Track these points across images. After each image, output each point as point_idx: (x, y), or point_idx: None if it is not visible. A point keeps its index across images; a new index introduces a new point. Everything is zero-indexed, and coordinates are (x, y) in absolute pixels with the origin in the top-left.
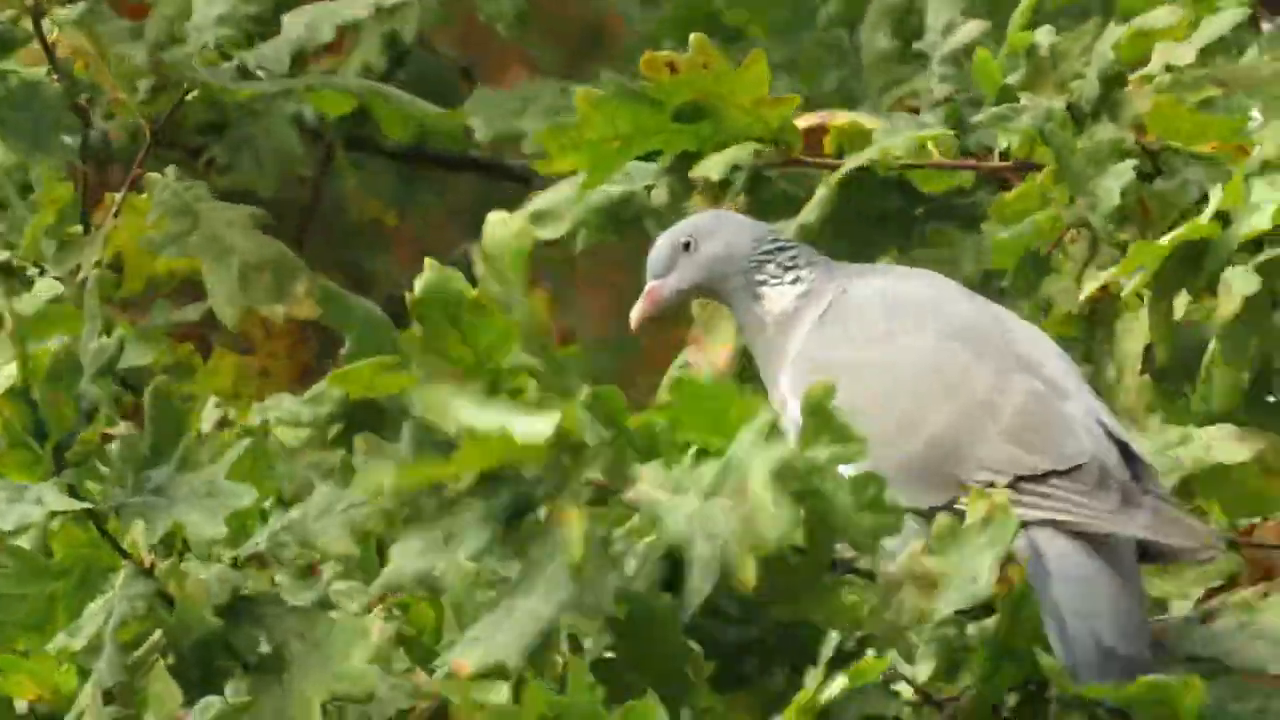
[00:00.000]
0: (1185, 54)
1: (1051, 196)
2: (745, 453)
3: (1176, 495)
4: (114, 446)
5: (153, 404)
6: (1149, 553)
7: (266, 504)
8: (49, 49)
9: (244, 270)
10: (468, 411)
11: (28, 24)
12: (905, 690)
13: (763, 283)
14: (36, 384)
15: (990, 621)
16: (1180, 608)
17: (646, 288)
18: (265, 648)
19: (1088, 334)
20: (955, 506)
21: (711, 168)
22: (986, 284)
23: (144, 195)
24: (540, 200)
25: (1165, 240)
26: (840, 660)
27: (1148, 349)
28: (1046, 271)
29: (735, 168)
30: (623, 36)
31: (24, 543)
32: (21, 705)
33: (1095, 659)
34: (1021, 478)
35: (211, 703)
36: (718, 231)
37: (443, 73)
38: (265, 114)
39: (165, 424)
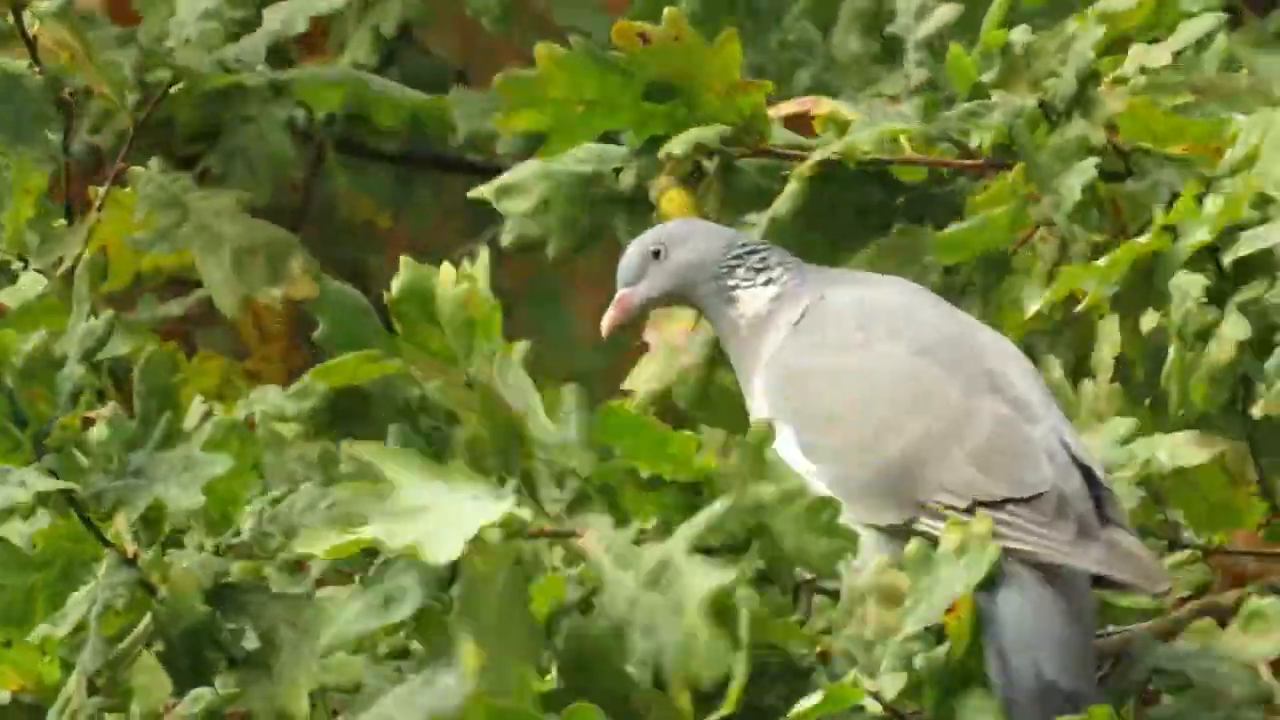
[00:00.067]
0: (1160, 56)
1: (1021, 194)
2: (684, 566)
3: (1146, 504)
4: (95, 430)
5: (144, 373)
6: (1105, 580)
7: (251, 493)
8: (30, 42)
9: (237, 256)
10: (408, 495)
11: (8, 17)
12: (872, 706)
13: (735, 286)
14: (11, 374)
15: (942, 650)
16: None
17: (617, 295)
18: (251, 637)
19: (1056, 335)
20: (914, 526)
21: (676, 145)
22: (949, 277)
23: (128, 189)
24: (508, 174)
25: (1104, 262)
26: (799, 676)
27: (1119, 356)
28: (1007, 270)
29: (709, 154)
30: None
31: (13, 536)
32: (4, 696)
33: (1034, 691)
34: (980, 502)
35: (202, 694)
36: (688, 238)
37: (436, 73)
38: (257, 120)
39: (155, 395)
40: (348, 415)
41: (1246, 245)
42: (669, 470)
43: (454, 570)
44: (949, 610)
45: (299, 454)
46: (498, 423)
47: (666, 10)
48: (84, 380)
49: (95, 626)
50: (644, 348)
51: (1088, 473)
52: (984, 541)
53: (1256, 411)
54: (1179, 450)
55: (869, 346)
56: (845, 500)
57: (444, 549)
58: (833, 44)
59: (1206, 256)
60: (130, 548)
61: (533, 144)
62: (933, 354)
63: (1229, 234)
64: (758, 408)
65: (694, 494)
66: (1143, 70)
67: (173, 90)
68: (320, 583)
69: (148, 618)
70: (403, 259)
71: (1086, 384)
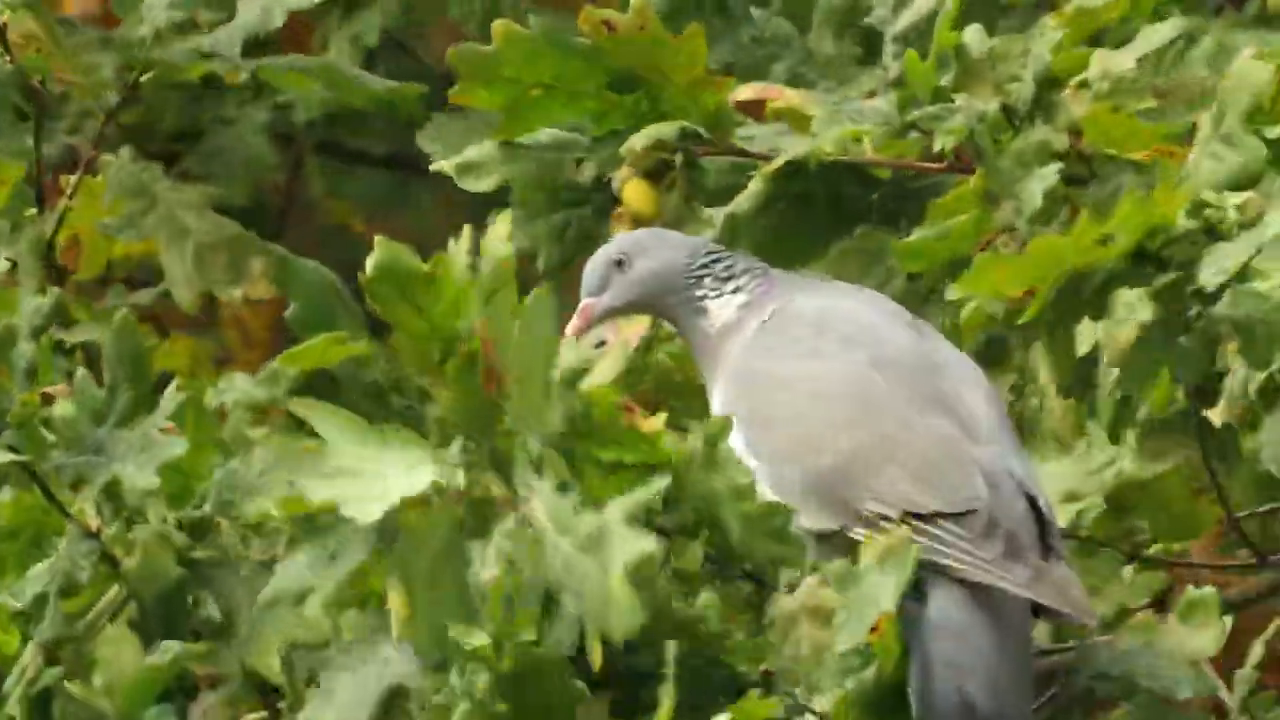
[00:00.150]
0: (1124, 61)
1: (983, 199)
2: (615, 532)
3: (1109, 515)
4: (61, 407)
5: (115, 338)
6: (1041, 610)
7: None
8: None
9: (200, 251)
10: (339, 455)
11: None
12: None
13: (703, 297)
14: None
15: (870, 670)
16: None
17: (580, 305)
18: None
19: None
20: (848, 534)
21: (638, 141)
22: (913, 283)
23: (99, 178)
24: (469, 151)
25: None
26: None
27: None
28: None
29: (673, 150)
30: None
31: None
32: None
33: (952, 712)
34: (910, 514)
35: (171, 645)
36: (652, 248)
37: (424, 79)
38: (237, 122)
39: (125, 361)
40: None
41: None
42: (634, 454)
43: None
44: (873, 629)
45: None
46: (470, 400)
47: (634, 1)
48: (39, 357)
49: (54, 598)
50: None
51: (1033, 502)
52: (903, 553)
53: (1215, 418)
54: (1138, 462)
55: (824, 354)
56: (784, 502)
57: (364, 509)
58: (810, 39)
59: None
60: (94, 522)
61: None
62: (886, 368)
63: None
64: (714, 409)
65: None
66: (1105, 76)
67: (144, 79)
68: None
69: (112, 591)
70: (377, 238)
71: (1052, 404)
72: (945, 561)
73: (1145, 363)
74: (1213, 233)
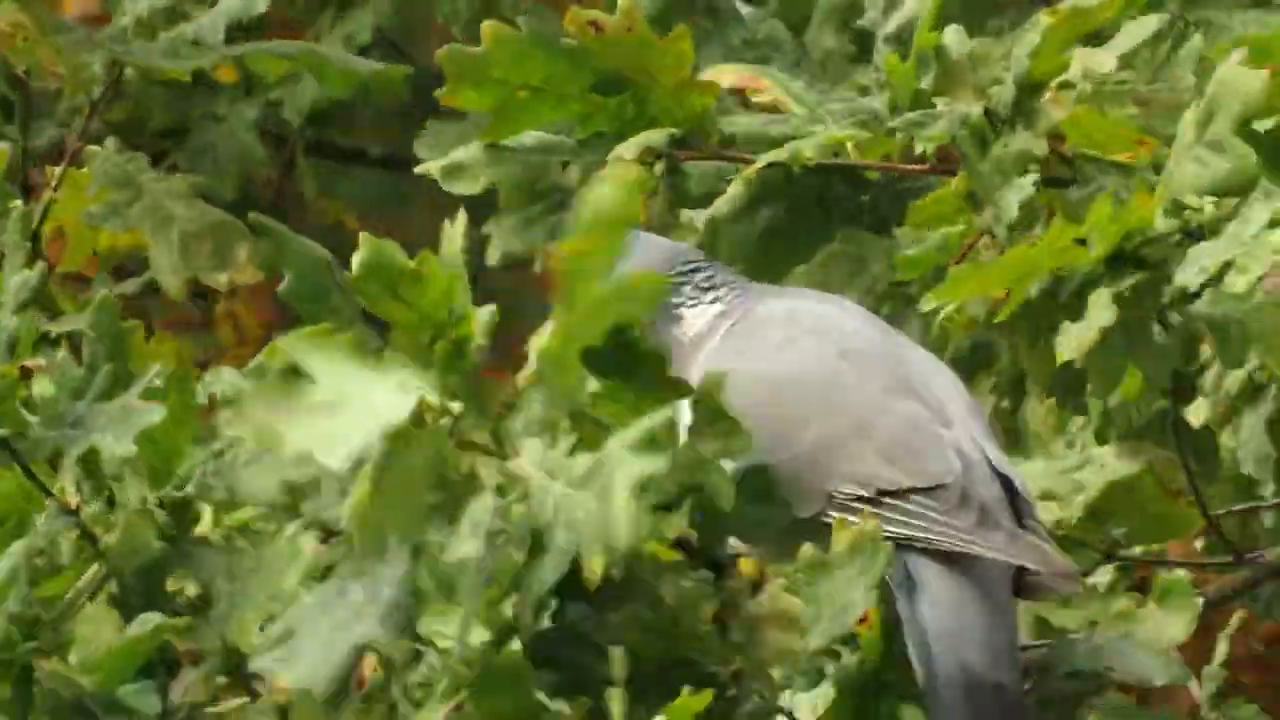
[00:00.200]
0: (1106, 61)
1: (966, 202)
2: (617, 457)
3: (1085, 521)
4: (40, 386)
5: (95, 317)
6: (1022, 588)
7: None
8: None
9: (185, 239)
10: (327, 387)
11: None
12: None
13: (680, 305)
14: None
15: (853, 659)
16: None
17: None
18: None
19: (996, 342)
20: (822, 519)
21: (627, 149)
22: (897, 287)
23: (85, 170)
24: (455, 154)
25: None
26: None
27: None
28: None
29: (657, 155)
30: None
31: None
32: None
33: (958, 682)
34: (883, 492)
35: (151, 617)
36: (632, 253)
37: (418, 80)
38: (227, 119)
39: (104, 340)
40: None
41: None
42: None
43: None
44: (861, 620)
45: None
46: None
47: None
48: (23, 331)
49: (23, 571)
50: None
51: (1007, 482)
52: (875, 540)
53: (1194, 419)
54: (1113, 462)
55: (791, 347)
56: None
57: (340, 450)
58: (807, 40)
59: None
60: (73, 500)
61: None
62: (853, 358)
63: (1151, 243)
64: (684, 412)
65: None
66: (1086, 75)
67: (129, 69)
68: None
69: (92, 570)
70: (363, 235)
71: (1033, 405)
72: (920, 535)
73: (1109, 365)
74: (1192, 234)
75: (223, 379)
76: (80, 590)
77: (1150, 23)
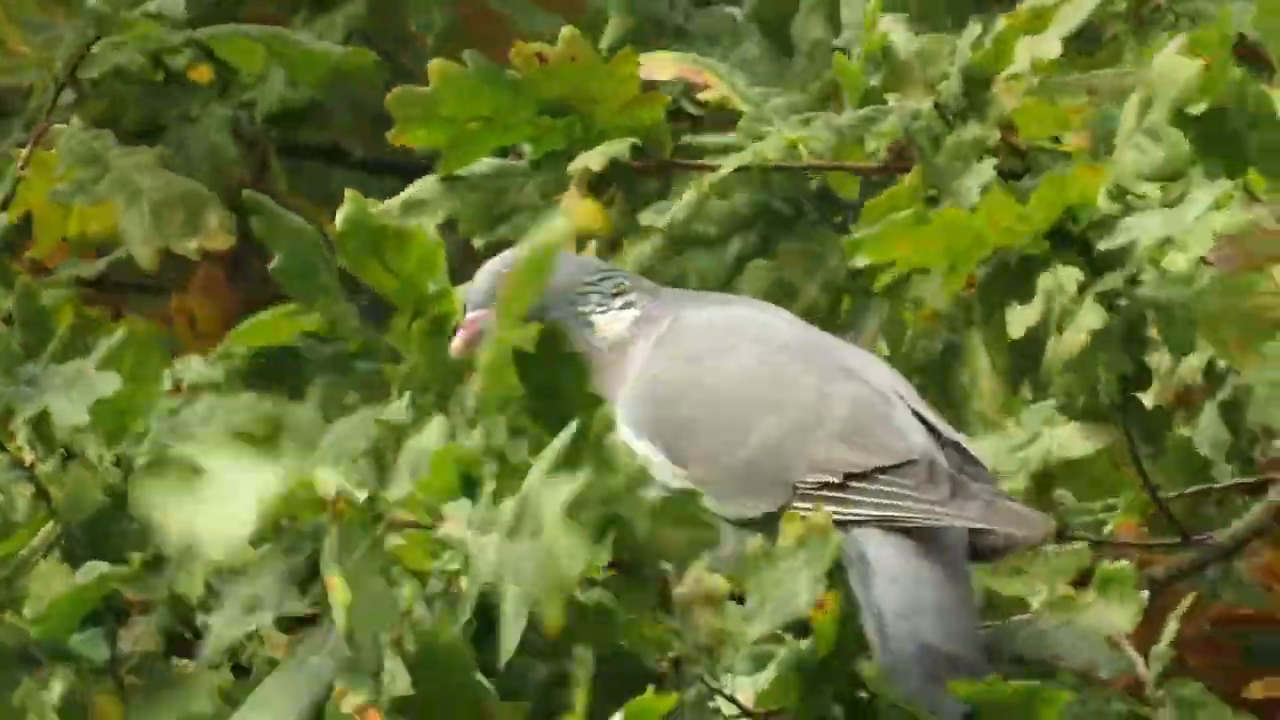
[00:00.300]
0: (1051, 47)
1: (920, 197)
2: (539, 487)
3: (1032, 491)
4: None
5: (20, 304)
6: (981, 551)
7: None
8: None
9: (156, 208)
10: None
11: None
12: (727, 707)
13: (591, 312)
14: None
15: (807, 643)
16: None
17: (465, 319)
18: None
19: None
20: (789, 511)
21: (591, 159)
22: (854, 282)
23: (52, 151)
24: (411, 189)
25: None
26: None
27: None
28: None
29: (614, 163)
30: None
31: None
32: None
33: (915, 658)
34: (851, 476)
35: (97, 565)
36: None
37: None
38: (200, 119)
39: (32, 325)
40: (278, 371)
41: (1111, 238)
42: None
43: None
44: (818, 605)
45: None
46: (436, 362)
47: (564, 30)
48: None
49: None
50: None
51: (957, 447)
52: (824, 532)
53: (1148, 401)
54: (1066, 443)
55: (724, 354)
56: (718, 499)
57: (220, 544)
58: (794, 32)
59: (1074, 249)
60: (28, 457)
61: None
62: (788, 353)
63: (1096, 226)
64: (621, 428)
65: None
66: (1033, 63)
67: (94, 49)
68: None
69: (46, 528)
70: (348, 191)
71: (981, 385)
72: (895, 514)
73: (1093, 364)
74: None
75: (192, 367)
76: (35, 548)
77: (1086, 4)
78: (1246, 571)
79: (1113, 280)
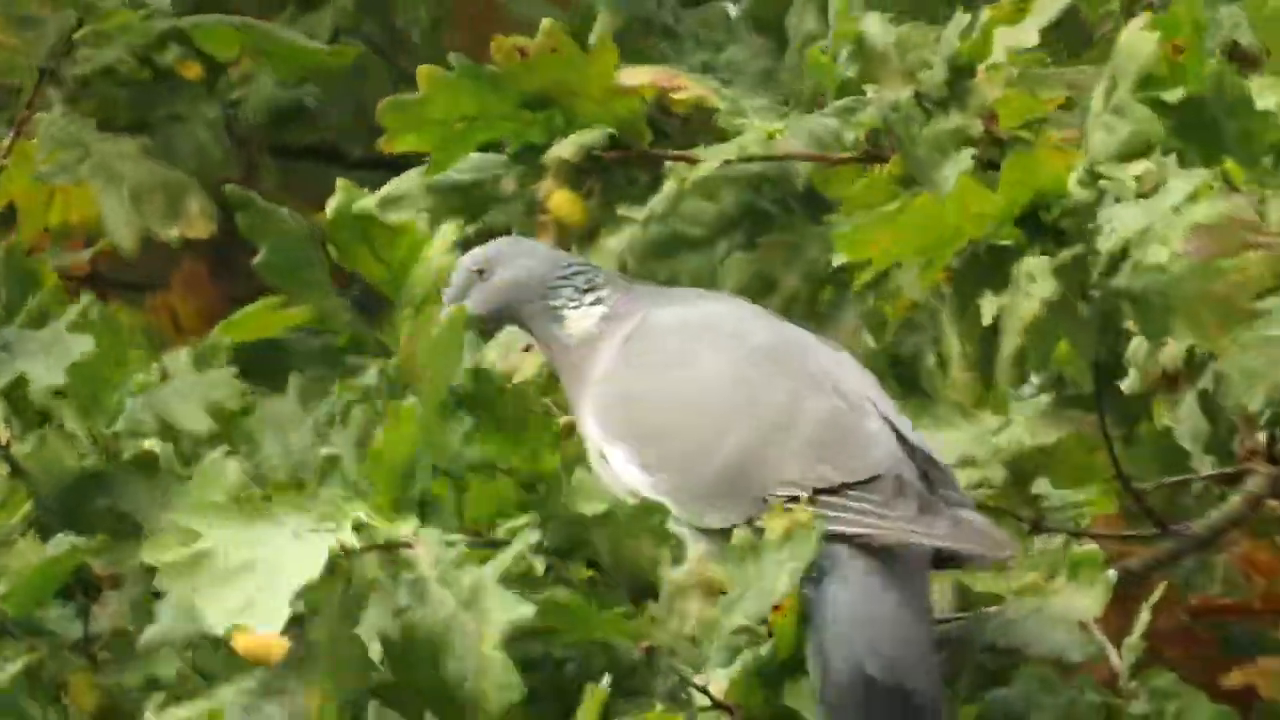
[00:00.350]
0: (1028, 37)
1: (898, 186)
2: (490, 590)
3: (1009, 482)
4: None
5: (5, 263)
6: (947, 558)
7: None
8: None
9: (136, 193)
10: (228, 556)
11: None
12: (700, 699)
13: (562, 306)
14: None
15: (767, 647)
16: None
17: (440, 315)
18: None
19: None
20: (756, 524)
21: (566, 148)
22: (834, 276)
23: (34, 141)
24: (390, 185)
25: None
26: (625, 672)
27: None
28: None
29: (590, 154)
30: None
31: None
32: None
33: (851, 688)
34: (819, 490)
35: (67, 537)
36: (513, 258)
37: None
38: (189, 118)
39: (17, 282)
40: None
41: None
42: (519, 460)
43: None
44: (776, 608)
45: None
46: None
47: (544, 22)
48: None
49: None
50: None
51: (925, 457)
52: (807, 529)
53: (1125, 387)
54: (1034, 430)
55: (694, 358)
56: (688, 507)
57: (272, 614)
58: (788, 25)
59: (1048, 238)
60: (4, 435)
61: None
62: (760, 357)
63: (1070, 214)
64: (589, 428)
65: (531, 491)
66: (1010, 53)
67: (80, 45)
68: None
69: (26, 507)
70: (339, 181)
71: (954, 373)
72: (861, 531)
73: (1047, 336)
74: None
75: (180, 360)
76: (12, 527)
77: None
78: (1224, 562)
79: (1071, 251)
